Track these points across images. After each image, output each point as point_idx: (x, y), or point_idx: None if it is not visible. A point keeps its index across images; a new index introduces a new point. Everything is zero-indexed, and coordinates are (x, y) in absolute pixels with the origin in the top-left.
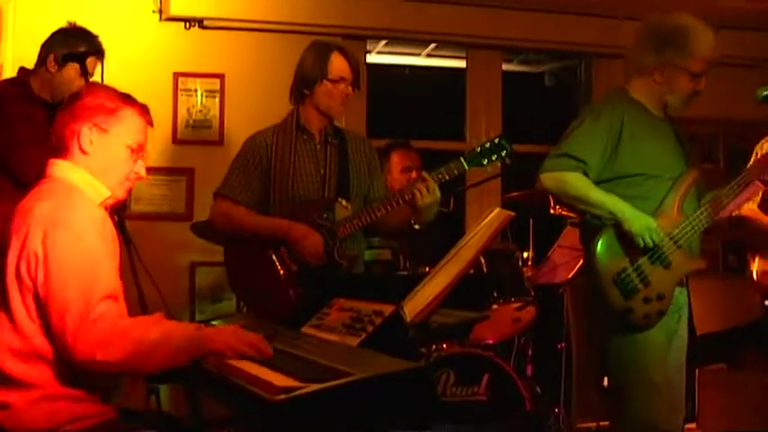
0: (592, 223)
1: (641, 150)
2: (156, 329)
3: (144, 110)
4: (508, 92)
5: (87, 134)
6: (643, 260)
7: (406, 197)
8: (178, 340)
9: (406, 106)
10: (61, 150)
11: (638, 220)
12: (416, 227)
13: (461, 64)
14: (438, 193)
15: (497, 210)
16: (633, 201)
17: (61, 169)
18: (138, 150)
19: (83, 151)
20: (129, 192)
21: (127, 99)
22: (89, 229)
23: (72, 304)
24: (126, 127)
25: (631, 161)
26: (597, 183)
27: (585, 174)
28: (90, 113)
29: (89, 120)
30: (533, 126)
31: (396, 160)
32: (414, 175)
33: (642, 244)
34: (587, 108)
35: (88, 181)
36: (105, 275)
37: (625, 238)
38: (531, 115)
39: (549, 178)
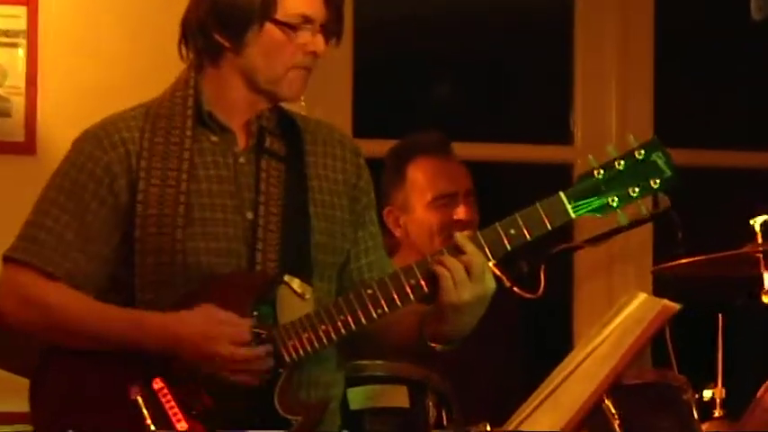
0: None
1: None
2: None
3: None
4: (666, 34)
5: None
6: None
7: (420, 284)
8: None
9: (439, 72)
10: None
11: None
12: (436, 347)
13: None
14: (490, 283)
15: (643, 297)
16: None
17: None
18: None
19: None
20: None
21: None
22: None
23: None
24: None
25: None
26: None
27: None
28: None
29: None
30: (725, 111)
31: (420, 179)
32: (459, 215)
33: None
34: None
35: None
36: None
37: None
38: (718, 85)
39: None
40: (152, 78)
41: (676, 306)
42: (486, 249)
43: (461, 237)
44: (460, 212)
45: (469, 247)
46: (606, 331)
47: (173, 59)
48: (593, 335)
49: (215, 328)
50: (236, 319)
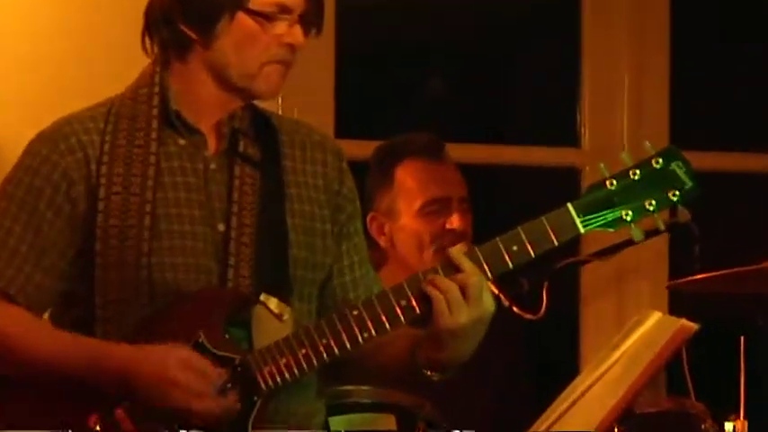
0: None
1: None
2: None
3: None
4: (682, 24)
5: None
6: None
7: (412, 305)
8: None
9: (432, 66)
10: None
11: None
12: (432, 376)
13: None
14: (489, 304)
15: (657, 316)
16: None
17: None
18: None
19: None
20: None
21: None
22: None
23: None
24: None
25: None
26: None
27: None
28: None
29: None
30: (744, 111)
31: (409, 182)
32: (453, 224)
33: None
34: None
35: None
36: None
37: None
38: (738, 83)
39: None
40: (117, 67)
41: (694, 326)
42: (485, 267)
43: (457, 252)
44: (454, 221)
45: (466, 265)
46: (617, 354)
47: (120, 46)
48: (603, 358)
49: (179, 373)
50: (206, 368)
